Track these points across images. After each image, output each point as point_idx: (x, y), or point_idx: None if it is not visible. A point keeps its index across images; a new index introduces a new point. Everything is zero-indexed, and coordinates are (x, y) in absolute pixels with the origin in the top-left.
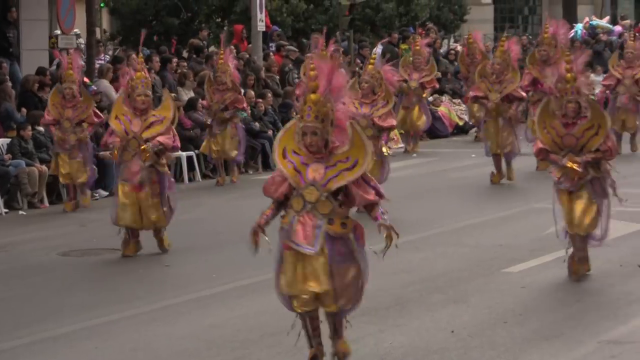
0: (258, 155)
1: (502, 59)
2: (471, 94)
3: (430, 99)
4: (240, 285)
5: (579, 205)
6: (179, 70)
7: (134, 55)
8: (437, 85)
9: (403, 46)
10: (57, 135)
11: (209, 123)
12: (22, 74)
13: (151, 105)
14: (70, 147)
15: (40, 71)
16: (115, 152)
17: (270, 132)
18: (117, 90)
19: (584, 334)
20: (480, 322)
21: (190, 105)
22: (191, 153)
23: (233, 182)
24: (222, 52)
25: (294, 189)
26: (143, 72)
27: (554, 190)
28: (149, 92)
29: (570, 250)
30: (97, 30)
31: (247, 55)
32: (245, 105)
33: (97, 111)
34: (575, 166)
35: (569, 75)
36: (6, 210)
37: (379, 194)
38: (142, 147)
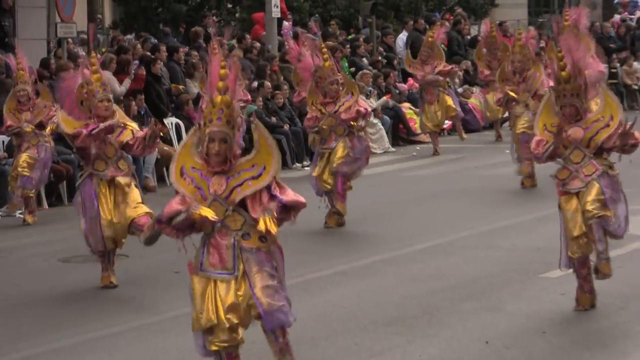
0: None
1: (522, 54)
2: (508, 97)
3: (460, 90)
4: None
5: (588, 197)
6: (188, 61)
7: (82, 53)
8: (455, 67)
9: (430, 33)
10: (17, 142)
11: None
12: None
13: (113, 112)
14: (32, 149)
15: (43, 63)
16: None
17: (287, 127)
18: (121, 82)
19: (628, 344)
20: (516, 331)
21: (200, 99)
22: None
23: None
24: (214, 45)
25: None
26: (100, 74)
27: (560, 196)
28: (111, 97)
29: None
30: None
31: (261, 44)
32: (248, 98)
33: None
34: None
35: (563, 73)
36: (2, 213)
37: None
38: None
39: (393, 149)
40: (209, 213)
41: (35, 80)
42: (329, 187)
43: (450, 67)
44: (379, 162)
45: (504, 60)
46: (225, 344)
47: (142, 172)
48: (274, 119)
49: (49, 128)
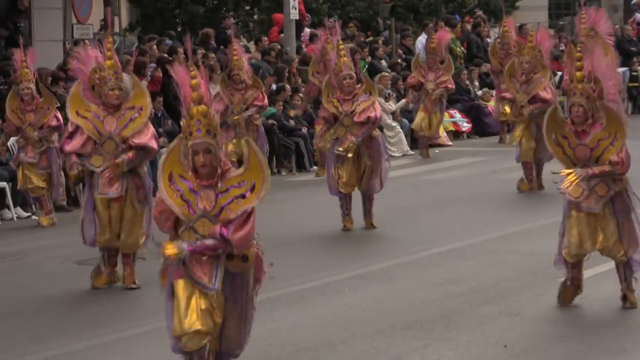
0: (292, 154)
1: (532, 55)
2: (500, 95)
3: (480, 92)
4: (273, 296)
5: (606, 226)
6: (205, 63)
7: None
8: (452, 87)
9: (432, 39)
10: (20, 144)
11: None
12: (35, 67)
13: (124, 100)
14: (37, 157)
15: (61, 66)
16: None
17: (305, 130)
18: None
19: None
20: (535, 336)
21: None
22: None
23: None
24: (235, 47)
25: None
26: (114, 61)
27: (567, 208)
28: (122, 85)
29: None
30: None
31: (279, 46)
32: (265, 102)
33: (58, 114)
34: (572, 178)
35: (578, 74)
36: (17, 215)
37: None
38: (116, 161)
39: (412, 152)
40: (170, 251)
41: (36, 81)
42: (351, 190)
43: (447, 84)
44: (398, 166)
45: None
46: (194, 347)
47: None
48: (292, 122)
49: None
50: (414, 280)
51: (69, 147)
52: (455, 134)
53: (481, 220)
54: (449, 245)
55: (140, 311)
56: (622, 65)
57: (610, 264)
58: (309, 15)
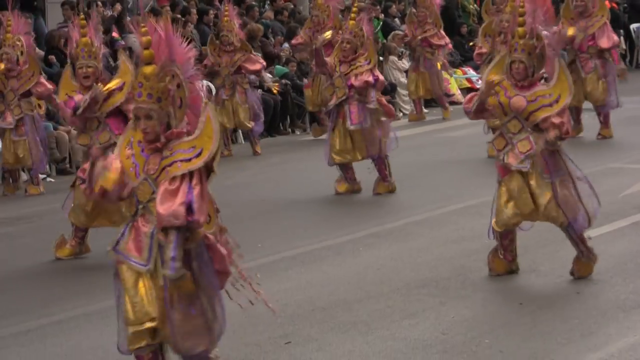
0: (305, 114)
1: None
2: (475, 53)
3: None
4: (288, 255)
5: (540, 191)
6: (217, 24)
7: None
8: (448, 43)
9: None
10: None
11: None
12: (48, 29)
13: (98, 78)
14: (15, 124)
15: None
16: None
17: None
18: None
19: None
20: (550, 293)
21: None
22: None
23: (257, 153)
24: (226, 7)
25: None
26: (87, 37)
27: (497, 166)
28: (94, 63)
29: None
30: None
31: (292, 6)
32: (259, 66)
33: (44, 81)
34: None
35: (520, 29)
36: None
37: (189, 209)
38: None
39: (426, 110)
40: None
41: (21, 49)
42: (343, 159)
43: (439, 42)
44: (412, 124)
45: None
46: (141, 344)
47: None
48: (305, 81)
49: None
50: (429, 238)
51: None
52: (470, 91)
53: (496, 177)
54: (465, 203)
55: None
56: (635, 22)
57: (628, 220)
58: None
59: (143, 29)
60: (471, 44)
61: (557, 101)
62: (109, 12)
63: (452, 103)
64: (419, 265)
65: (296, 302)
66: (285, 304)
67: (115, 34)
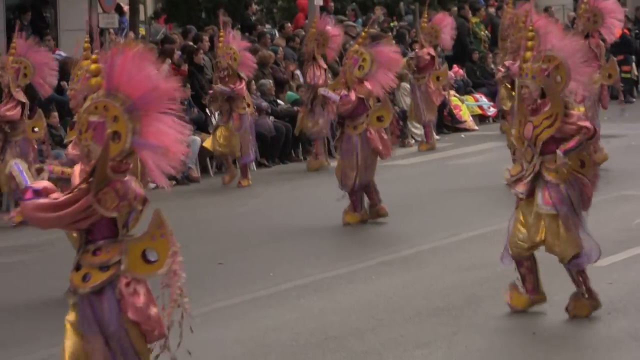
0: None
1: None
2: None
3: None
4: (300, 284)
5: (549, 221)
6: None
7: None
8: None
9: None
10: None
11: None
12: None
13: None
14: None
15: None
16: None
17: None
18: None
19: None
20: (563, 321)
21: None
22: None
23: (240, 185)
24: (220, 33)
25: None
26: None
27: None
28: (75, 87)
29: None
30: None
31: (303, 33)
32: (238, 87)
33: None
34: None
35: (527, 53)
36: None
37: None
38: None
39: (437, 137)
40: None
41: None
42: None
43: (426, 60)
44: (423, 151)
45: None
46: None
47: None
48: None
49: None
50: (441, 266)
51: None
52: (481, 118)
53: (508, 205)
54: (476, 231)
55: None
56: None
57: (639, 248)
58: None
59: (94, 56)
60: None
61: (555, 120)
62: (121, 40)
63: (464, 130)
64: (431, 293)
65: (308, 330)
66: (297, 332)
67: None
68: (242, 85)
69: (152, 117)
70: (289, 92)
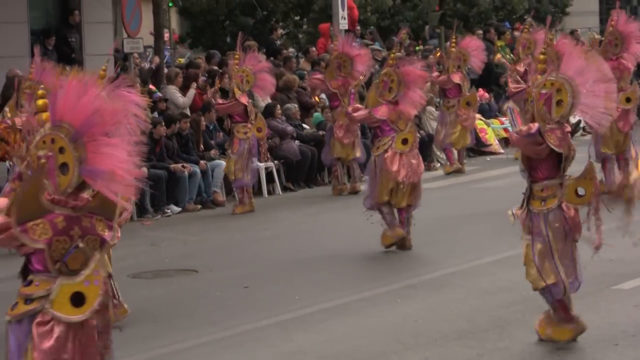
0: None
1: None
2: (511, 89)
3: None
4: (325, 307)
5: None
6: None
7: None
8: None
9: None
10: None
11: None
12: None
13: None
14: None
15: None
16: None
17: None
18: (185, 95)
19: None
20: (589, 344)
21: (268, 113)
22: (270, 164)
23: (234, 212)
24: (237, 55)
25: None
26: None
27: None
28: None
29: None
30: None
31: (328, 56)
32: (240, 119)
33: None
34: None
35: (537, 76)
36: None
37: None
38: None
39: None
40: None
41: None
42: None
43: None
44: (449, 175)
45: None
46: None
47: (210, 187)
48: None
49: None
50: (466, 289)
51: None
52: (507, 141)
53: None
54: (501, 254)
55: (194, 324)
56: None
57: None
58: (358, 26)
59: (40, 92)
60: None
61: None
62: (146, 65)
63: (490, 153)
64: (456, 316)
65: (333, 354)
66: (322, 356)
67: (152, 86)
68: (226, 104)
69: (98, 142)
70: (315, 114)
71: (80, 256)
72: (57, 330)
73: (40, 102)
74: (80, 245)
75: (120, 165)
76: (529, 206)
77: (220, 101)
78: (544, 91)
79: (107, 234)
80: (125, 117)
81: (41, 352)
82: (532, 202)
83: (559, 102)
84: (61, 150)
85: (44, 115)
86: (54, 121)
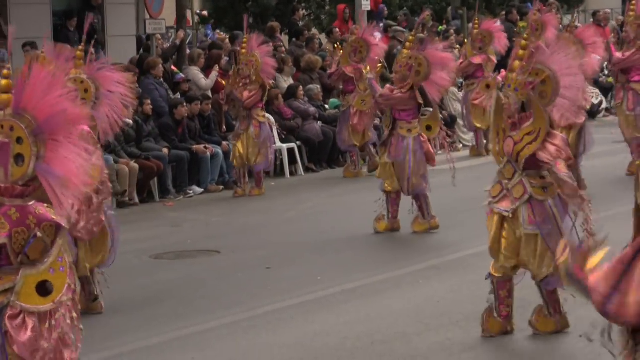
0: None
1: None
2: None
3: None
4: (347, 288)
5: (528, 238)
6: (276, 56)
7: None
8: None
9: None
10: None
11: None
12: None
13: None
14: None
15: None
16: None
17: (377, 121)
18: (207, 77)
19: None
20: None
21: (290, 94)
22: (292, 145)
23: (250, 194)
24: (245, 38)
25: None
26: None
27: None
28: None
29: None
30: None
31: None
32: (252, 95)
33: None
34: None
35: (516, 63)
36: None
37: None
38: None
39: (485, 141)
40: None
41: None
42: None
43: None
44: (470, 155)
45: None
46: None
47: (232, 168)
48: None
49: None
50: (488, 270)
51: None
52: None
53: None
54: None
55: (215, 305)
56: None
57: None
58: (384, 6)
59: (5, 72)
60: None
61: (538, 136)
62: (167, 44)
63: None
64: (478, 297)
65: (355, 335)
66: (344, 337)
67: (173, 67)
68: (253, 95)
69: (58, 143)
70: (331, 100)
71: (39, 245)
72: (30, 322)
73: (4, 82)
74: (39, 234)
75: (76, 174)
76: (528, 194)
77: (245, 94)
78: (530, 79)
79: (61, 220)
80: (88, 124)
81: (20, 345)
82: (533, 190)
83: (542, 94)
84: (19, 140)
85: (5, 97)
86: (17, 109)
